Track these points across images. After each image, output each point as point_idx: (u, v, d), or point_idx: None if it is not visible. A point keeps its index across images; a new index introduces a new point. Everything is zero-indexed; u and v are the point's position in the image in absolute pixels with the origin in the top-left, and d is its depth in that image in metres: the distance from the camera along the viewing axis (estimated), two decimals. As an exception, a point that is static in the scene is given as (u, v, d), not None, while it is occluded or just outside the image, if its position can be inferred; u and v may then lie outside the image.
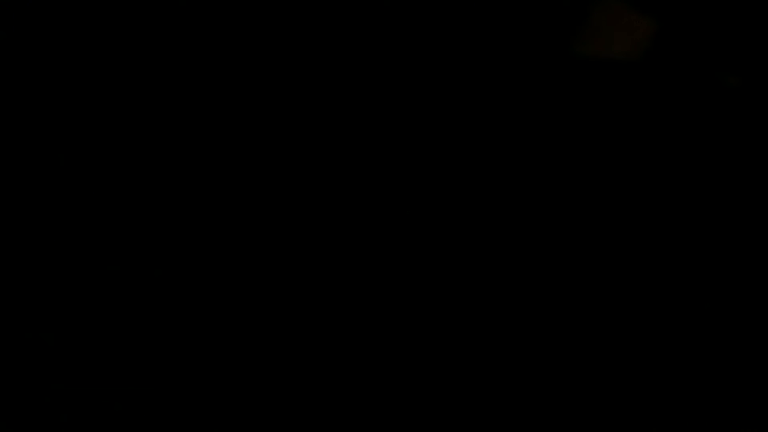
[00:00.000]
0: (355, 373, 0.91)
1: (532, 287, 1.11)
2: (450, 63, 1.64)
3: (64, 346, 0.98)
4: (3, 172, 1.12)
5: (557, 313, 1.07)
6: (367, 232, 1.36)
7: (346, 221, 1.27)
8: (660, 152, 1.59)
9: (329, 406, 0.83)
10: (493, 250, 1.31)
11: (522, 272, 1.17)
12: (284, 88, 1.38)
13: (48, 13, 1.23)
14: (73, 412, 0.92)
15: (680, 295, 1.08)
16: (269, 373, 0.93)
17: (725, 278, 1.15)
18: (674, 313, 1.03)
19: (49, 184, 1.12)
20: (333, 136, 1.53)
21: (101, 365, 0.97)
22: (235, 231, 1.14)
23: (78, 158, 1.15)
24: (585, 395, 0.91)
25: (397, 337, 1.01)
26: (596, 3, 1.71)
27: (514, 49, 1.67)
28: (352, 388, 0.89)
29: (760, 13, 1.57)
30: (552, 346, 1.02)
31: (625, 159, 1.60)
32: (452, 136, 1.59)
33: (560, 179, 1.59)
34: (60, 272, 1.05)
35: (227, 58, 1.29)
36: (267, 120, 1.23)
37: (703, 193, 1.52)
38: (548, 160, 1.58)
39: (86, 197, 1.12)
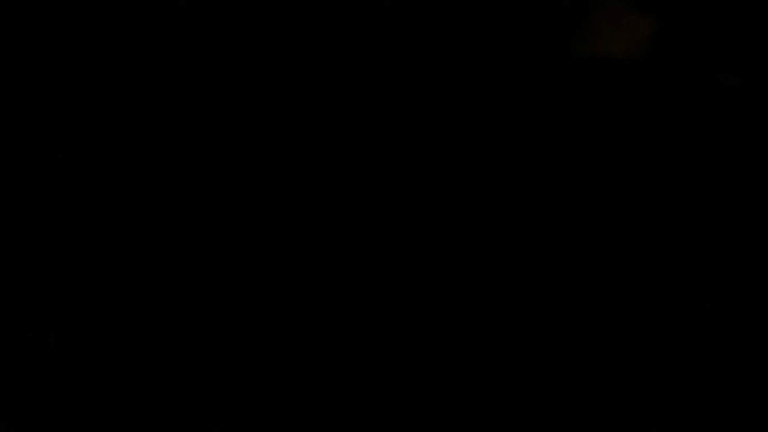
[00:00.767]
0: (355, 372, 0.91)
1: (530, 286, 1.11)
2: (450, 63, 1.64)
3: (65, 347, 0.98)
4: (4, 172, 1.12)
5: (557, 313, 1.07)
6: (367, 231, 1.36)
7: (346, 220, 1.27)
8: (660, 152, 1.59)
9: (329, 406, 0.83)
10: (492, 250, 1.31)
11: (520, 271, 1.17)
12: (284, 87, 1.38)
13: (50, 13, 1.23)
14: (72, 412, 0.92)
15: (679, 295, 1.08)
16: (268, 374, 0.93)
17: (725, 278, 1.15)
18: (673, 313, 1.03)
19: (49, 184, 1.12)
20: (333, 135, 1.53)
21: (101, 366, 0.97)
22: (235, 230, 1.14)
23: (79, 158, 1.15)
24: (584, 396, 0.91)
25: (396, 338, 1.01)
26: (596, 3, 1.71)
27: (514, 49, 1.67)
28: (352, 388, 0.89)
29: (760, 13, 1.57)
30: (551, 345, 1.01)
31: (625, 159, 1.61)
32: (452, 136, 1.59)
33: (560, 179, 1.59)
34: (59, 272, 1.05)
35: (227, 57, 1.29)
36: (266, 119, 1.23)
37: (703, 193, 1.52)
38: (548, 160, 1.58)
39: (86, 197, 1.12)
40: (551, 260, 1.23)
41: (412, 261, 1.20)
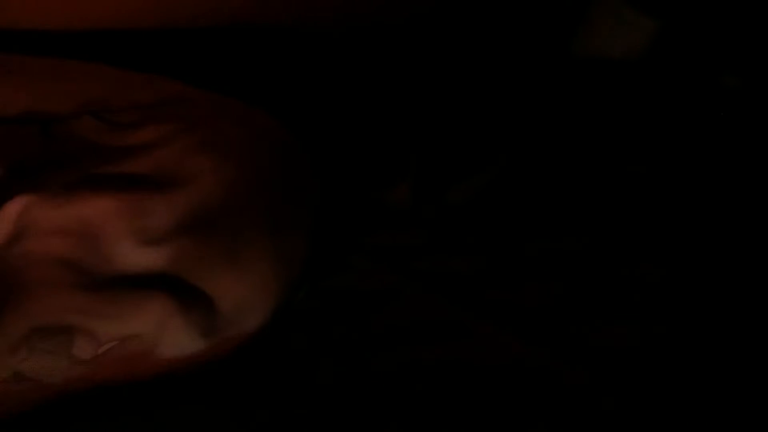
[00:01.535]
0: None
1: (528, 286, 1.11)
2: (450, 63, 1.64)
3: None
4: None
5: (559, 311, 1.07)
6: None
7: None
8: (660, 152, 1.59)
9: None
10: (492, 249, 1.31)
11: (519, 272, 1.17)
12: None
13: None
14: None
15: (678, 295, 1.08)
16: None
17: (724, 277, 1.15)
18: (672, 314, 1.03)
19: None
20: (334, 135, 1.53)
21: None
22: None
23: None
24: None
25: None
26: (596, 3, 1.71)
27: (514, 49, 1.67)
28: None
29: (760, 13, 1.57)
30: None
31: (624, 159, 1.60)
32: (451, 136, 1.59)
33: (560, 179, 1.59)
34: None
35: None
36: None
37: (703, 193, 1.52)
38: (548, 159, 1.58)
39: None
40: (549, 259, 1.23)
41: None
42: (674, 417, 0.76)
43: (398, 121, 1.62)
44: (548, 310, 1.04)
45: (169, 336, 0.78)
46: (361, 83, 1.64)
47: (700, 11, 1.60)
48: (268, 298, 0.87)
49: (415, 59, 1.64)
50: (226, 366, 0.85)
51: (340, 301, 1.05)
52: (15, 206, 0.83)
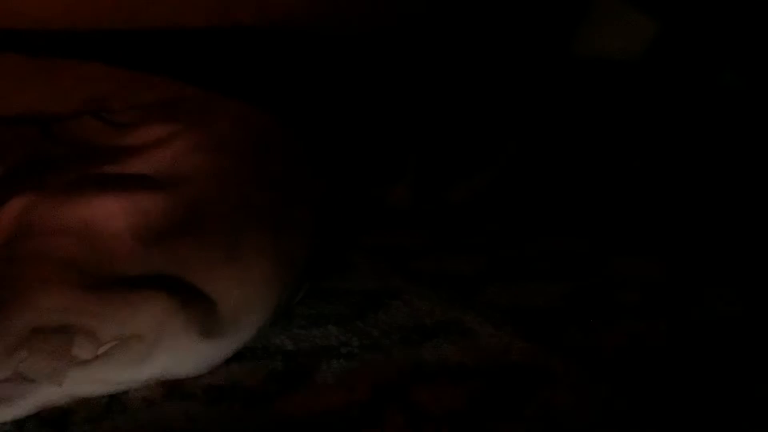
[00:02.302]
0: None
1: (528, 286, 1.12)
2: (450, 63, 1.64)
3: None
4: None
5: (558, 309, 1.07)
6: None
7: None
8: (660, 152, 1.59)
9: None
10: (492, 249, 1.31)
11: (519, 272, 1.17)
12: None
13: None
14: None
15: (678, 294, 1.08)
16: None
17: (723, 277, 1.15)
18: (672, 313, 1.03)
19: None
20: (334, 135, 1.53)
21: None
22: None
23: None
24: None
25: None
26: (596, 3, 1.71)
27: (514, 49, 1.67)
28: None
29: (760, 13, 1.57)
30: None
31: (624, 158, 1.61)
32: (451, 136, 1.59)
33: (560, 179, 1.59)
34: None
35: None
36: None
37: (703, 193, 1.52)
38: (548, 159, 1.58)
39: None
40: (547, 258, 1.23)
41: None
42: (674, 416, 0.76)
43: (398, 121, 1.62)
44: (548, 310, 1.04)
45: (169, 336, 0.78)
46: (362, 83, 1.64)
47: (701, 11, 1.60)
48: (268, 297, 0.87)
49: (414, 60, 1.64)
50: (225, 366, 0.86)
51: (340, 301, 1.05)
52: (15, 206, 0.83)
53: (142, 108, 1.09)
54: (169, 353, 0.79)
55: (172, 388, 0.81)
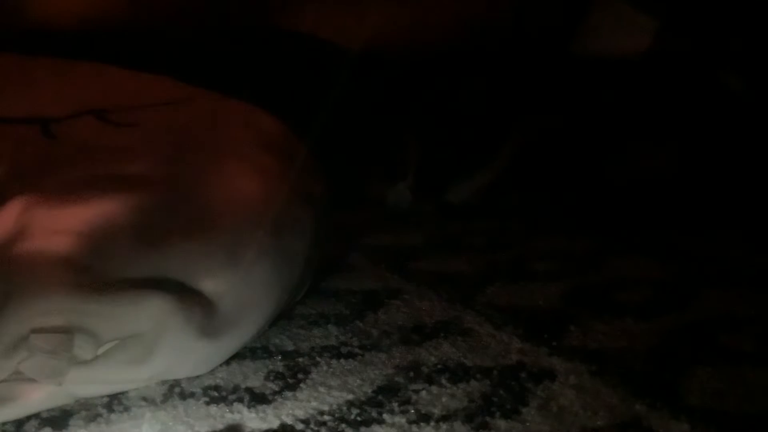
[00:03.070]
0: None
1: (528, 286, 1.12)
2: (450, 63, 1.64)
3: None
4: None
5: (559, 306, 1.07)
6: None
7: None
8: (660, 151, 1.59)
9: None
10: (492, 249, 1.31)
11: (518, 272, 1.17)
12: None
13: None
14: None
15: (678, 294, 1.08)
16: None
17: (722, 277, 1.15)
18: (672, 313, 1.03)
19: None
20: (334, 135, 1.53)
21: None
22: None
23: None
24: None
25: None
26: (596, 3, 1.71)
27: (515, 49, 1.67)
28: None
29: (761, 13, 1.57)
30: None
31: (624, 158, 1.61)
32: (451, 136, 1.59)
33: (560, 179, 1.59)
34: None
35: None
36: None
37: (703, 193, 1.52)
38: (548, 159, 1.58)
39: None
40: (545, 259, 1.24)
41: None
42: (674, 416, 0.76)
43: (398, 121, 1.62)
44: (548, 310, 1.04)
45: (169, 336, 0.78)
46: (362, 84, 1.64)
47: (701, 11, 1.59)
48: (268, 297, 0.87)
49: (415, 60, 1.64)
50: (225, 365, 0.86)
51: (340, 301, 1.05)
52: (15, 206, 0.83)
53: (142, 108, 1.08)
54: (169, 353, 0.79)
55: (172, 388, 0.81)
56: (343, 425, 0.75)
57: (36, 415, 0.76)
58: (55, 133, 1.03)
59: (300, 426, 0.75)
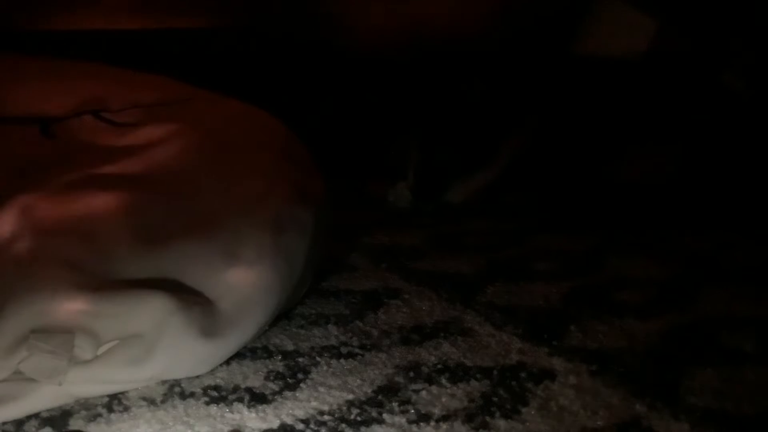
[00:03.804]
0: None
1: (528, 286, 1.12)
2: (450, 63, 1.64)
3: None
4: None
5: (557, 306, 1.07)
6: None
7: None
8: (660, 151, 1.59)
9: None
10: (491, 249, 1.31)
11: (519, 272, 1.17)
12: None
13: None
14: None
15: (678, 294, 1.08)
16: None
17: (722, 277, 1.15)
18: (672, 313, 1.03)
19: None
20: (334, 135, 1.53)
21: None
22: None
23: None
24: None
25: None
26: (596, 3, 1.71)
27: (515, 49, 1.67)
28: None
29: (761, 12, 1.57)
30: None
31: (624, 158, 1.61)
32: (451, 136, 1.59)
33: (560, 179, 1.59)
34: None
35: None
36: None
37: (703, 193, 1.52)
38: (548, 159, 1.58)
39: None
40: (545, 258, 1.24)
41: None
42: (674, 416, 0.76)
43: (398, 121, 1.62)
44: (548, 310, 1.04)
45: (169, 336, 0.78)
46: (362, 84, 1.64)
47: (701, 11, 1.59)
48: (268, 297, 0.87)
49: (415, 60, 1.64)
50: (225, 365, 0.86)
51: (340, 301, 1.05)
52: (16, 206, 0.83)
53: (142, 108, 1.08)
54: (169, 353, 0.79)
55: (172, 388, 0.81)
56: (343, 425, 0.75)
57: (36, 415, 0.76)
58: (55, 133, 1.03)
59: (300, 426, 0.75)
